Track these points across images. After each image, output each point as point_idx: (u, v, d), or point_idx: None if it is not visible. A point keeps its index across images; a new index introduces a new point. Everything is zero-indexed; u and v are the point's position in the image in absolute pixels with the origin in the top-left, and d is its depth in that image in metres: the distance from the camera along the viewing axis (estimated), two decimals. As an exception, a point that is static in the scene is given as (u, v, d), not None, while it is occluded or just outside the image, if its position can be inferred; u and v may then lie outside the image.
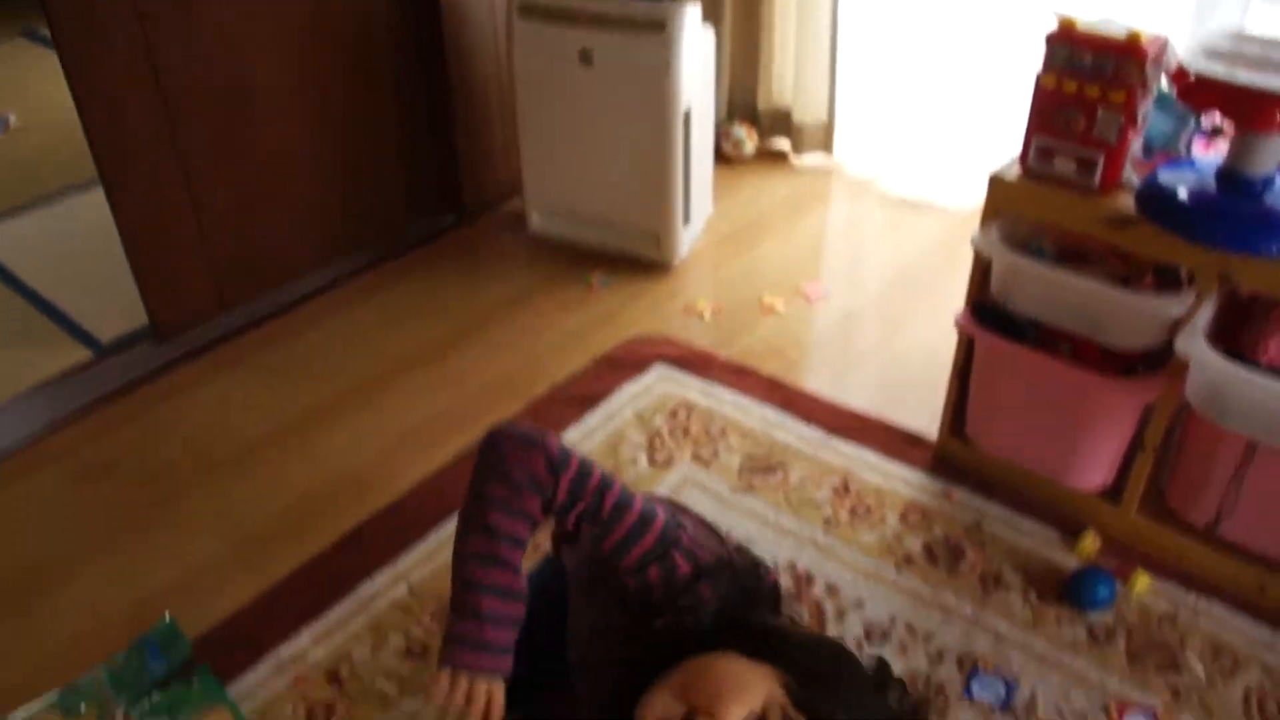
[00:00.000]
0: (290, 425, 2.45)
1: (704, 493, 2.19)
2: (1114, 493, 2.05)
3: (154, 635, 1.86)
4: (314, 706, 1.76)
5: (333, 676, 1.81)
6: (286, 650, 1.86)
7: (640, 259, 3.04)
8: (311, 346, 2.75)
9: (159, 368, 2.66)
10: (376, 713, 1.75)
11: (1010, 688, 1.76)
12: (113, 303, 2.76)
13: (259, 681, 1.81)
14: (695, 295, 2.92)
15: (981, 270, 2.04)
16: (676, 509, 1.62)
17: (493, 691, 1.31)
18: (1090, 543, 2.01)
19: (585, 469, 1.38)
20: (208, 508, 2.21)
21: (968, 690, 1.76)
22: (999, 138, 2.96)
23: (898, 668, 1.77)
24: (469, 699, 1.30)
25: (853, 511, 2.14)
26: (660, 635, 1.31)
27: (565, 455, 1.37)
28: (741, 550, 1.71)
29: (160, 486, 2.27)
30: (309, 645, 1.87)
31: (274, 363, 2.68)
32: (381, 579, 2.00)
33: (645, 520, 1.37)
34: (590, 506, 1.37)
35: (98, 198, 2.50)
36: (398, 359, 2.69)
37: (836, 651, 1.30)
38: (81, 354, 2.66)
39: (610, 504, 1.37)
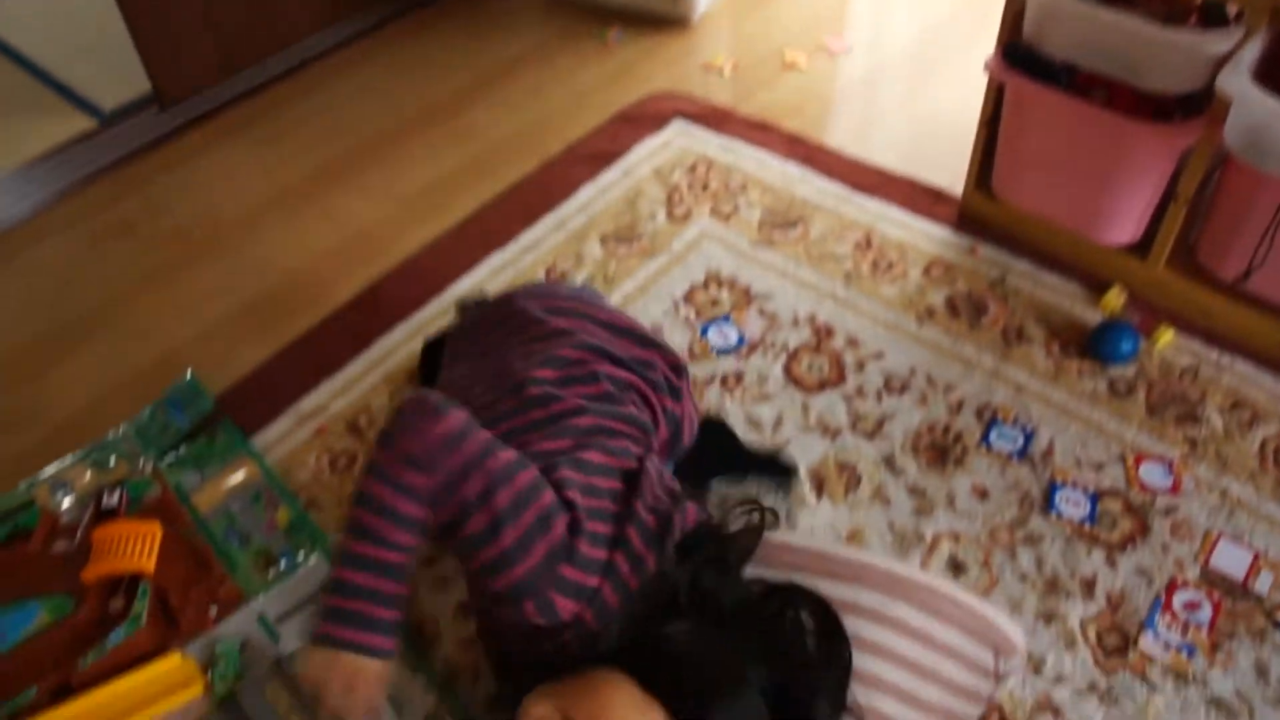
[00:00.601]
0: (300, 187, 2.40)
1: (723, 247, 2.15)
2: (1142, 247, 2.00)
3: (176, 391, 1.87)
4: (336, 456, 1.79)
5: (353, 427, 1.83)
6: (307, 403, 1.87)
7: (657, 13, 2.90)
8: (319, 109, 2.66)
9: (164, 135, 2.59)
10: (397, 459, 1.77)
11: (1028, 437, 1.77)
12: (115, 71, 2.67)
13: (281, 434, 1.83)
14: (714, 51, 2.79)
15: (1015, 11, 1.92)
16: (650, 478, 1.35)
17: (368, 675, 1.22)
18: (1115, 298, 1.97)
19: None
20: (222, 269, 2.19)
21: (985, 439, 1.77)
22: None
23: (916, 418, 1.80)
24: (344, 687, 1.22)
25: (874, 265, 2.10)
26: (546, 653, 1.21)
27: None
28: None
29: (172, 250, 2.24)
30: (328, 398, 1.88)
31: (281, 127, 2.60)
32: (398, 333, 1.99)
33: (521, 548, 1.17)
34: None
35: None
36: (408, 117, 2.60)
37: (735, 684, 1.13)
38: (85, 123, 2.59)
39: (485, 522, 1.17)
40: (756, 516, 1.33)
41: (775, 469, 1.71)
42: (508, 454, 1.21)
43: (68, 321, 2.08)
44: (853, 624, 1.28)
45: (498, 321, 1.56)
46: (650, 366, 1.48)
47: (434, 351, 1.86)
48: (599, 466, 1.30)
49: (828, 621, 1.24)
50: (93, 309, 2.10)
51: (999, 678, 1.35)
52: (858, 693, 1.25)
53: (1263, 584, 1.57)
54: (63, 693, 1.45)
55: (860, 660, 1.26)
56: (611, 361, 1.44)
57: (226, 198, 2.37)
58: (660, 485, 1.32)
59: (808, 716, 1.16)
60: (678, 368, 1.55)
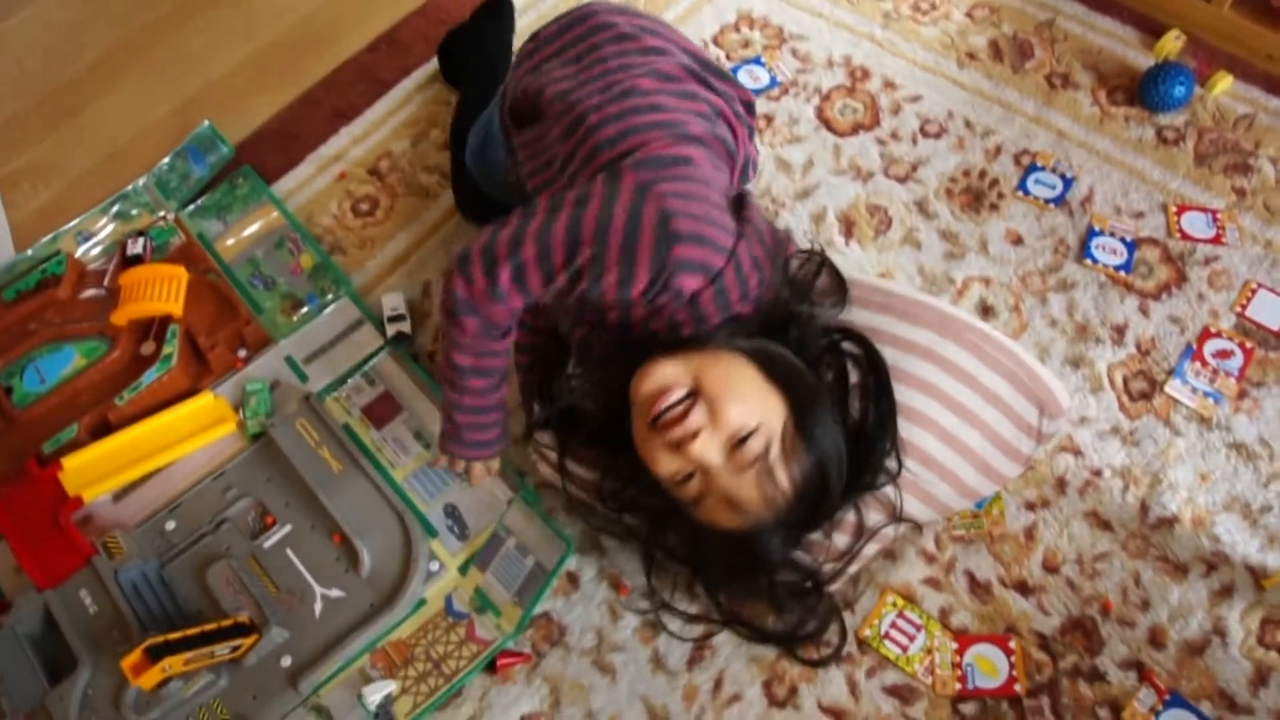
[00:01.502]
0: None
1: (756, -11, 2.04)
2: (1206, -15, 1.88)
3: (194, 141, 1.84)
4: (358, 201, 1.76)
5: (374, 171, 1.80)
6: (327, 150, 1.84)
7: None
8: None
9: None
10: (419, 204, 1.75)
11: (1067, 184, 1.71)
12: None
13: (302, 180, 1.80)
14: None
15: None
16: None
17: (488, 465, 1.41)
18: (1171, 41, 1.86)
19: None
20: (233, 15, 2.10)
21: (1022, 185, 1.71)
22: None
23: (951, 163, 1.75)
24: (467, 471, 1.41)
25: (915, 5, 1.98)
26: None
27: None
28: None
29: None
30: (349, 144, 1.84)
31: None
32: (418, 76, 1.93)
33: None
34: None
35: None
36: None
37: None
38: None
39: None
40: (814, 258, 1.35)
41: None
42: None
43: (75, 77, 2.02)
44: (904, 360, 1.29)
45: (586, 31, 1.45)
46: (730, 99, 1.43)
47: (454, 42, 1.87)
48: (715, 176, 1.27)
49: (877, 374, 1.27)
50: (98, 63, 2.04)
51: (1041, 438, 1.35)
52: (902, 427, 1.26)
53: (1298, 333, 1.54)
54: (102, 430, 1.50)
55: (908, 396, 1.28)
56: (704, 85, 1.38)
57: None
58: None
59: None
60: (749, 105, 1.48)
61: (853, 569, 1.30)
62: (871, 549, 1.30)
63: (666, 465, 1.15)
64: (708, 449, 1.11)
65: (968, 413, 1.30)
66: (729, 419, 1.12)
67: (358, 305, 1.61)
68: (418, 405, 1.51)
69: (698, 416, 1.12)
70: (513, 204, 1.27)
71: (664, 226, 1.11)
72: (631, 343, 1.23)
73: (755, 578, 1.25)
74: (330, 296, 1.62)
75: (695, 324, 1.19)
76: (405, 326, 1.58)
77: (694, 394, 1.14)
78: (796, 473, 1.14)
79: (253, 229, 1.71)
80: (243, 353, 1.57)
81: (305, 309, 1.61)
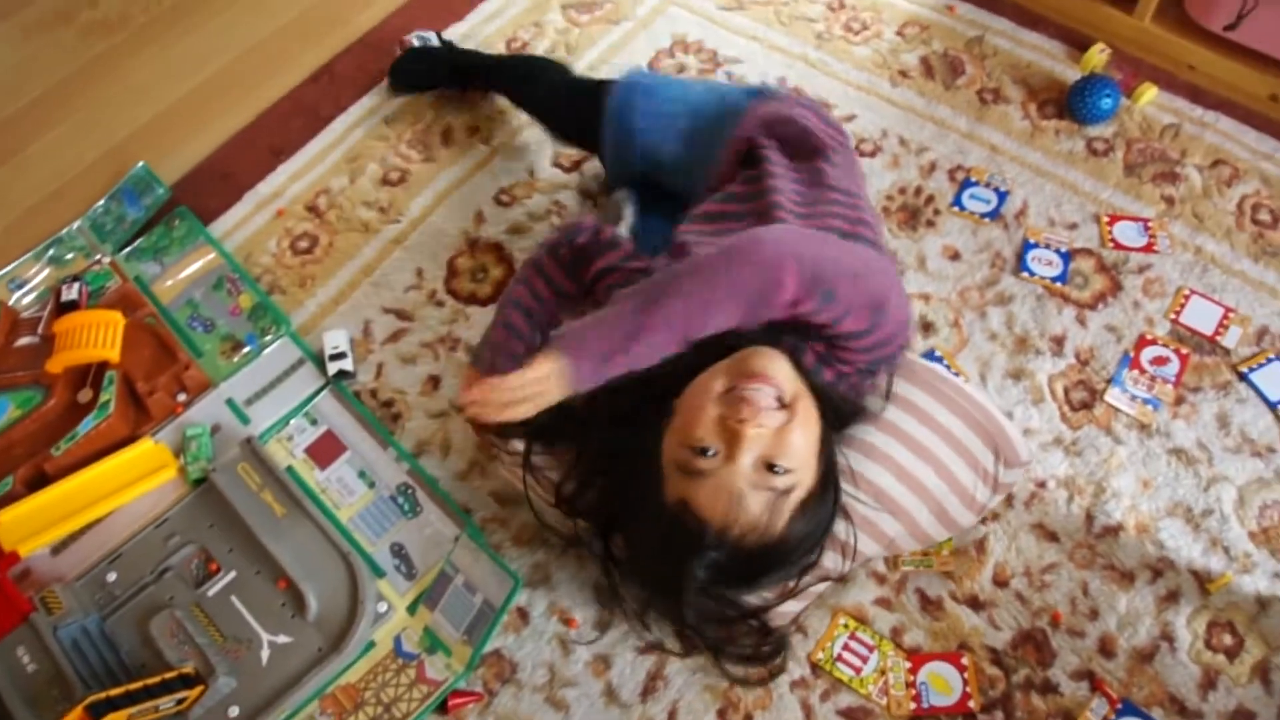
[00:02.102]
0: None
1: (690, 12, 2.05)
2: (1129, -1, 1.92)
3: (129, 183, 1.82)
4: (296, 239, 1.75)
5: (312, 208, 1.79)
6: (265, 187, 1.82)
7: None
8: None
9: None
10: (359, 239, 1.74)
11: (1002, 198, 1.73)
12: None
13: (240, 219, 1.78)
14: None
15: None
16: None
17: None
18: (1097, 55, 1.89)
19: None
20: (169, 54, 2.06)
21: (958, 201, 1.73)
22: None
23: (887, 180, 1.77)
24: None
25: (847, 26, 2.01)
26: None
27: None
28: None
29: (114, 36, 2.12)
30: (286, 181, 1.83)
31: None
32: (356, 112, 1.92)
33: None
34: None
35: None
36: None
37: None
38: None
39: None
40: None
41: None
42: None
43: (7, 119, 1.99)
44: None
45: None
46: None
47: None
48: None
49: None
50: (34, 104, 2.00)
51: (998, 486, 1.35)
52: (860, 463, 1.28)
53: (1230, 338, 1.57)
54: (39, 481, 1.46)
55: (865, 432, 1.29)
56: None
57: (166, -23, 2.24)
58: None
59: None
60: None
61: (795, 607, 1.30)
62: (818, 587, 1.31)
63: (704, 430, 1.14)
64: (754, 444, 1.12)
65: (921, 448, 1.30)
66: (787, 443, 1.13)
67: (298, 344, 1.60)
68: (361, 444, 1.50)
69: (772, 419, 1.14)
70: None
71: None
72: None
73: (675, 594, 1.22)
74: (270, 337, 1.60)
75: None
76: (347, 364, 1.56)
77: (782, 404, 1.15)
78: (784, 526, 1.15)
79: (190, 270, 1.69)
80: (182, 397, 1.55)
81: (245, 350, 1.59)
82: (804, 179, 1.42)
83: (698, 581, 1.17)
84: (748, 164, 1.46)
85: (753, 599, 1.25)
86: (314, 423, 1.52)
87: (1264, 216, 1.71)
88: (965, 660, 1.29)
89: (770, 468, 1.12)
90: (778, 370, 1.17)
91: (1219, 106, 1.86)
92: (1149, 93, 1.86)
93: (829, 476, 1.20)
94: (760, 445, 1.12)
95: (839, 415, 1.26)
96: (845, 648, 1.30)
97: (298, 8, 2.11)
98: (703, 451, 1.13)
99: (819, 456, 1.18)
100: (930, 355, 1.55)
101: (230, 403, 1.54)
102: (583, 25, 2.04)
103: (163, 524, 1.43)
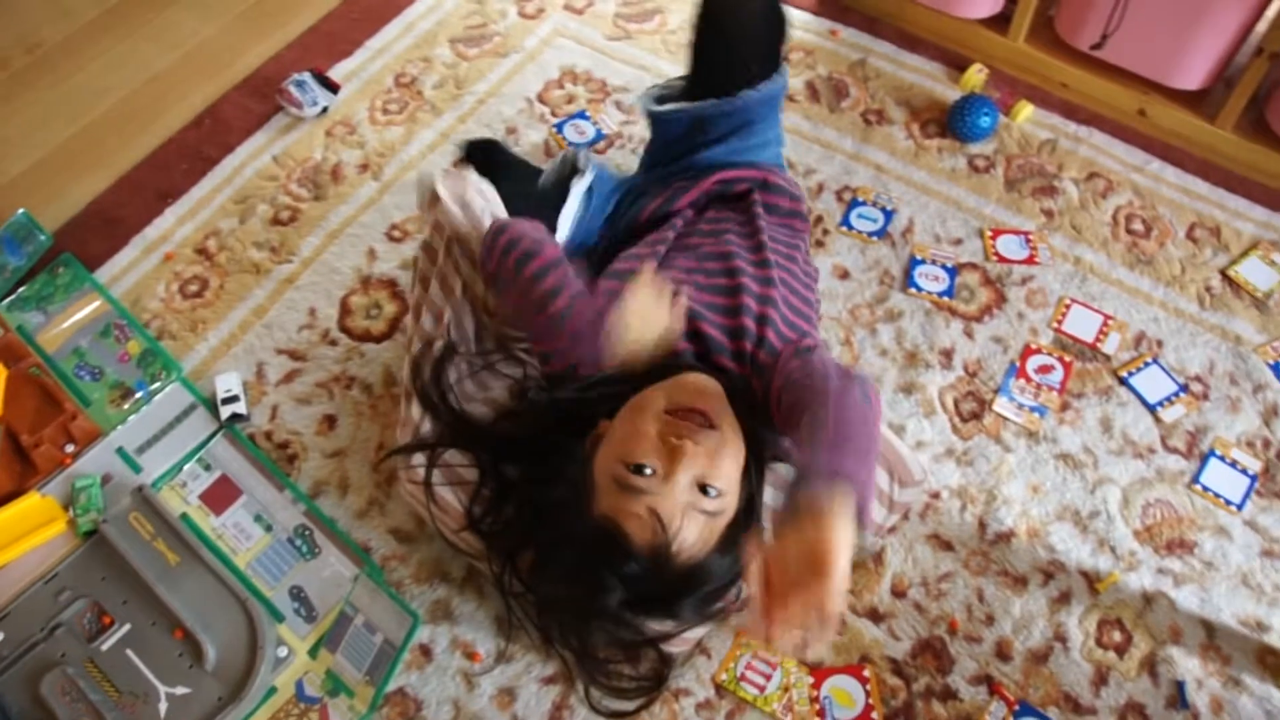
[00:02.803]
0: (127, 5, 2.21)
1: (577, 43, 2.07)
2: (1002, 20, 1.98)
3: (9, 230, 1.77)
4: (186, 282, 1.71)
5: (202, 251, 1.76)
6: (152, 231, 1.79)
7: None
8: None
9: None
10: (250, 281, 1.72)
11: (888, 216, 1.78)
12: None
13: (127, 264, 1.74)
14: None
15: None
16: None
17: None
18: (975, 75, 1.96)
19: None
20: (49, 98, 2.04)
21: (846, 220, 1.77)
22: None
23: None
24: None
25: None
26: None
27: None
28: None
29: (-8, 78, 2.09)
30: (174, 224, 1.79)
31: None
32: (243, 152, 1.90)
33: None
34: None
35: None
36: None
37: None
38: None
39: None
40: None
41: None
42: None
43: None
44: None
45: None
46: None
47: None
48: None
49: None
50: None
51: (894, 506, 1.38)
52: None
53: (1110, 344, 1.62)
54: (-79, 542, 1.42)
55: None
56: None
57: (47, 20, 2.19)
58: None
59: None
60: None
61: (699, 630, 1.31)
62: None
63: (644, 448, 1.15)
64: (691, 464, 1.13)
65: None
66: (719, 466, 1.15)
67: (189, 390, 1.57)
68: (256, 487, 1.47)
69: (708, 439, 1.15)
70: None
71: None
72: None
73: (586, 615, 1.23)
74: (160, 383, 1.57)
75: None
76: (240, 407, 1.54)
77: (715, 427, 1.17)
78: (709, 550, 1.16)
79: (76, 318, 1.65)
80: (70, 448, 1.51)
81: (136, 397, 1.55)
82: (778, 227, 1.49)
83: (615, 601, 1.16)
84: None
85: (661, 626, 1.25)
86: (208, 468, 1.49)
87: (1137, 226, 1.78)
88: (867, 672, 1.31)
89: (703, 489, 1.14)
90: (712, 394, 1.20)
91: (1091, 121, 1.94)
92: (1025, 110, 1.92)
93: (750, 509, 1.22)
94: (697, 465, 1.13)
95: (763, 447, 1.28)
96: (748, 667, 1.31)
97: (180, 50, 2.09)
98: (640, 469, 1.13)
99: (742, 485, 1.20)
100: (824, 373, 1.58)
101: (121, 451, 1.51)
102: (471, 59, 2.04)
103: (52, 579, 1.39)
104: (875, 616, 1.36)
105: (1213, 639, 1.36)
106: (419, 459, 1.34)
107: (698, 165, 1.52)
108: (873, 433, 1.12)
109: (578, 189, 1.51)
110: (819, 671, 1.31)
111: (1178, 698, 1.31)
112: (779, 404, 1.22)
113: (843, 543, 0.91)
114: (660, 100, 1.55)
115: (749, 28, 1.49)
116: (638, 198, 1.54)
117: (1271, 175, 1.85)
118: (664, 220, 1.48)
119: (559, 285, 1.28)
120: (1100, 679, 1.32)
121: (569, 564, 1.19)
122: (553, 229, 1.47)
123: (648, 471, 1.13)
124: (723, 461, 1.15)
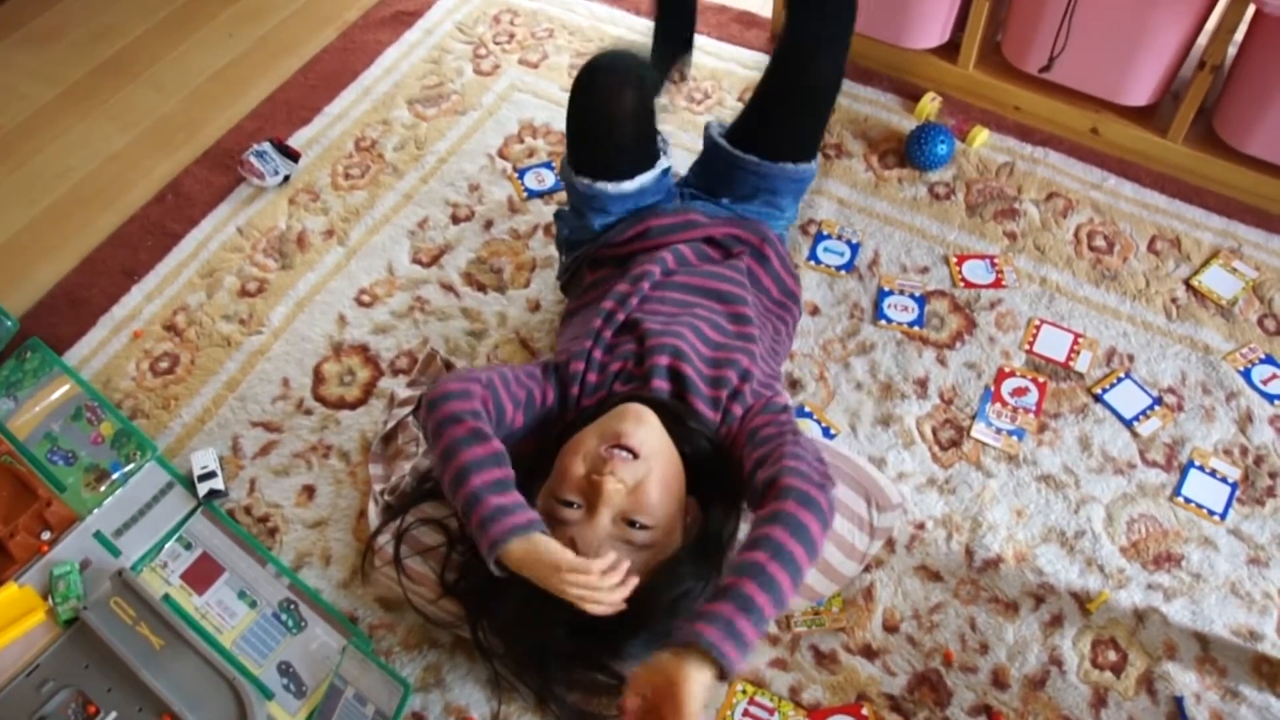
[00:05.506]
0: (85, 86, 2.22)
1: (534, 97, 2.09)
2: (951, 49, 2.01)
3: (-26, 318, 1.76)
4: (156, 360, 1.70)
5: (170, 327, 1.75)
6: (119, 310, 1.78)
7: None
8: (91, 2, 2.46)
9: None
10: (221, 354, 1.70)
11: (854, 249, 1.79)
12: None
13: (96, 345, 1.73)
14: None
15: None
16: None
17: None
18: (929, 104, 1.98)
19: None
20: (9, 181, 2.03)
21: (812, 255, 1.78)
22: None
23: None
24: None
25: (689, 97, 2.06)
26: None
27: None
28: None
29: (-52, 165, 2.08)
30: (142, 302, 1.78)
31: (52, 25, 2.39)
32: (207, 226, 1.89)
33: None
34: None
35: None
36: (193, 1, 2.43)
37: None
38: None
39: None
40: None
41: None
42: None
43: None
44: None
45: None
46: None
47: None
48: None
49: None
50: None
51: (875, 532, 1.38)
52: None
53: (1082, 362, 1.63)
54: (-104, 641, 1.39)
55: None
56: None
57: (2, 104, 2.19)
58: None
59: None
60: None
61: None
62: None
63: (569, 484, 1.20)
64: (612, 499, 1.17)
65: None
66: (645, 500, 1.18)
67: (165, 468, 1.55)
68: (238, 563, 1.45)
69: (630, 473, 1.18)
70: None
71: None
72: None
73: (539, 661, 1.25)
74: (135, 463, 1.55)
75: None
76: (218, 483, 1.52)
77: (642, 460, 1.19)
78: (641, 583, 1.15)
79: (47, 402, 1.63)
80: (47, 535, 1.48)
81: (111, 479, 1.54)
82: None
83: (561, 643, 1.19)
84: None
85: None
86: (188, 547, 1.48)
87: (1099, 243, 1.80)
88: (865, 710, 1.30)
89: (630, 523, 1.17)
90: (647, 430, 1.22)
91: (1047, 142, 1.96)
92: (981, 135, 1.94)
93: (706, 545, 1.21)
94: (619, 501, 1.17)
95: (715, 480, 1.28)
96: (745, 713, 1.30)
97: (139, 127, 2.10)
98: (567, 504, 1.18)
99: (683, 519, 1.23)
100: (800, 411, 1.58)
101: (99, 535, 1.49)
102: (430, 119, 2.05)
103: (34, 671, 1.36)
104: (869, 653, 1.36)
105: (1207, 651, 1.36)
106: (385, 536, 1.36)
107: (722, 207, 1.59)
108: (811, 556, 1.13)
109: (662, 163, 1.54)
110: (816, 713, 1.30)
111: (1178, 714, 1.31)
112: (745, 459, 1.25)
113: (692, 701, 1.03)
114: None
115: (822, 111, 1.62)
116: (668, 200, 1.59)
117: (1225, 184, 1.88)
118: (661, 246, 1.49)
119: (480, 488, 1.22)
120: (1099, 700, 1.32)
121: (519, 598, 1.19)
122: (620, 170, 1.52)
123: (574, 506, 1.18)
124: (648, 495, 1.18)
